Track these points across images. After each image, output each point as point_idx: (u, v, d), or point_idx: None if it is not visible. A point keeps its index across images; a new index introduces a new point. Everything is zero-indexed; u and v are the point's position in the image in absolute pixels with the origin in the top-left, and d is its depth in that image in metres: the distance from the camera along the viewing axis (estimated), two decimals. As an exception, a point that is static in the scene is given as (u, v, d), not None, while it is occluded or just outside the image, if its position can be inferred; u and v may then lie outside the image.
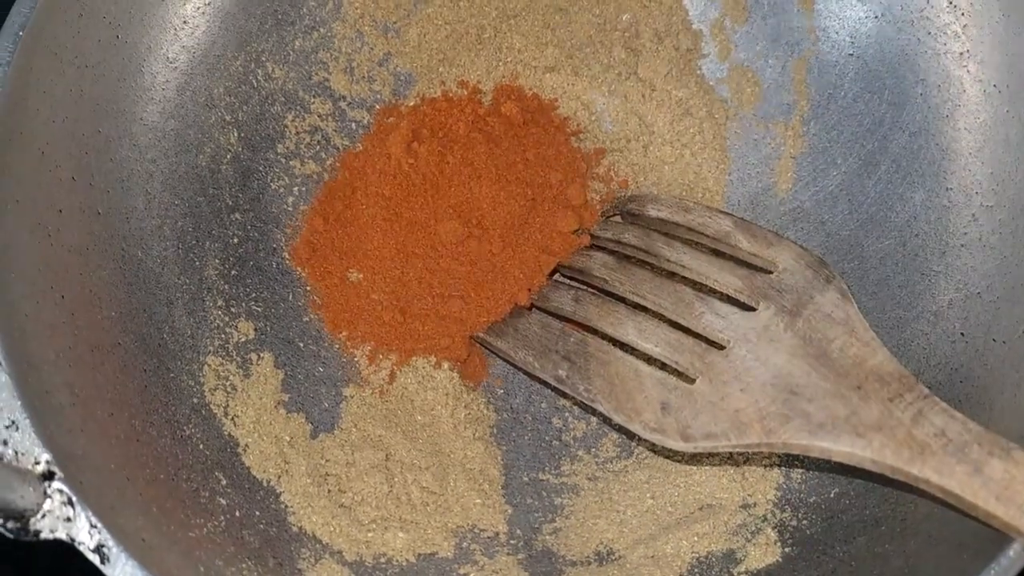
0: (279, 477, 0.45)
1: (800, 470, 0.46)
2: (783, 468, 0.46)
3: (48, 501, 0.34)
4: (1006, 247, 0.45)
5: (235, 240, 0.49)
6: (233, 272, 0.49)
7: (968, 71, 0.48)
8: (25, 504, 0.33)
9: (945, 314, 0.46)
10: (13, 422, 0.34)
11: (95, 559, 0.33)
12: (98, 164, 0.44)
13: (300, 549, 0.43)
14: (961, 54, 0.48)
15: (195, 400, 0.45)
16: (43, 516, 0.34)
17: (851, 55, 0.51)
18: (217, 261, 0.48)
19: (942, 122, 0.48)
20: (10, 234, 0.38)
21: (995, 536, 0.35)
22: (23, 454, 0.34)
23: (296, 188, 0.51)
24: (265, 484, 0.44)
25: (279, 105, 0.51)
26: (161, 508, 0.39)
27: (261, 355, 0.48)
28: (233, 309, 0.48)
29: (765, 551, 0.44)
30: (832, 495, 0.44)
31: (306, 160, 0.52)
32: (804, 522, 0.44)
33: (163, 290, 0.46)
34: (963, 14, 0.48)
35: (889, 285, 0.48)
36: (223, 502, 0.42)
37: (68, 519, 0.34)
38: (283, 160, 0.51)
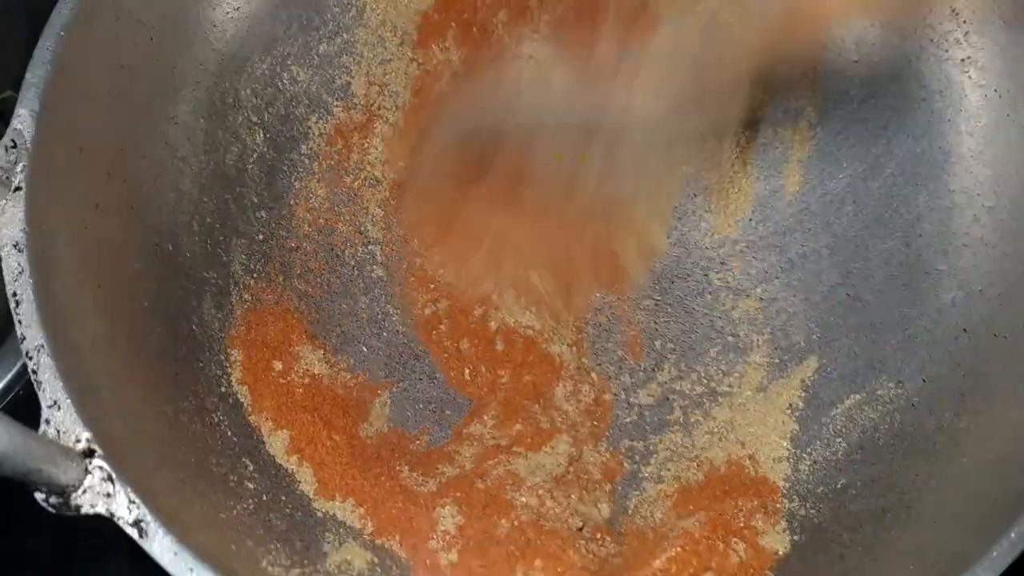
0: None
1: (808, 461, 0.47)
2: (791, 460, 0.47)
3: (89, 477, 0.34)
4: (1007, 246, 0.47)
5: (260, 237, 0.51)
6: (258, 267, 0.50)
7: (970, 77, 0.49)
8: (67, 479, 0.34)
9: (948, 311, 0.47)
10: (55, 402, 0.35)
11: (133, 533, 0.34)
12: (132, 161, 0.46)
13: (324, 533, 0.44)
14: (963, 60, 0.49)
15: (223, 389, 0.46)
16: (84, 492, 0.34)
17: (856, 62, 0.52)
18: (243, 256, 0.50)
19: (945, 126, 0.49)
20: (53, 228, 0.40)
21: (999, 519, 0.37)
22: (64, 432, 0.35)
23: (319, 188, 0.53)
24: (289, 471, 0.45)
25: (303, 107, 0.53)
26: (193, 489, 0.40)
27: (285, 348, 0.49)
28: (258, 303, 0.49)
29: (774, 539, 0.45)
30: (839, 486, 0.46)
31: (328, 161, 0.53)
32: (812, 511, 0.45)
33: (192, 283, 0.47)
34: (965, 21, 0.49)
35: (894, 284, 0.49)
36: (251, 486, 0.43)
37: (108, 495, 0.34)
38: (306, 160, 0.53)
